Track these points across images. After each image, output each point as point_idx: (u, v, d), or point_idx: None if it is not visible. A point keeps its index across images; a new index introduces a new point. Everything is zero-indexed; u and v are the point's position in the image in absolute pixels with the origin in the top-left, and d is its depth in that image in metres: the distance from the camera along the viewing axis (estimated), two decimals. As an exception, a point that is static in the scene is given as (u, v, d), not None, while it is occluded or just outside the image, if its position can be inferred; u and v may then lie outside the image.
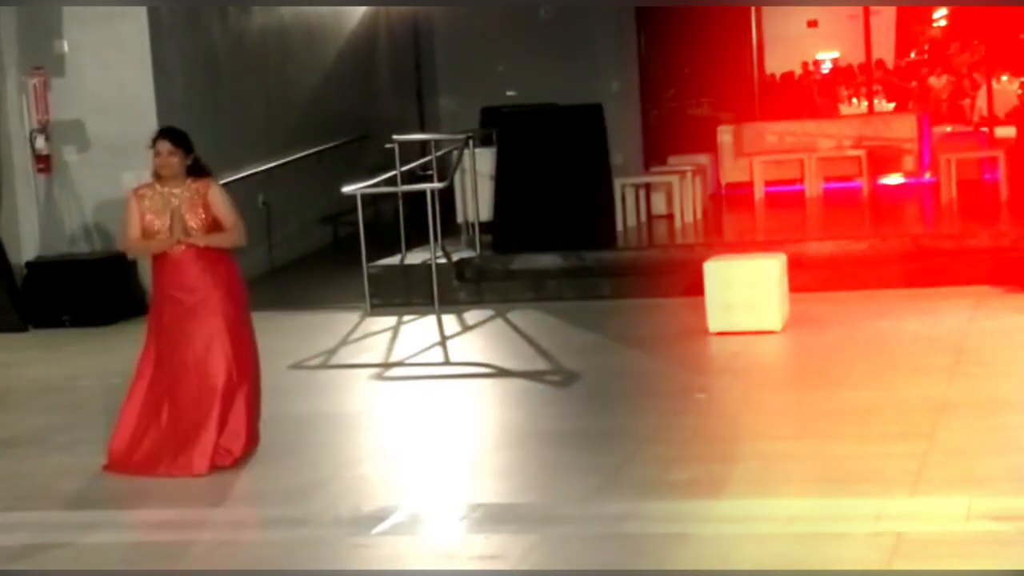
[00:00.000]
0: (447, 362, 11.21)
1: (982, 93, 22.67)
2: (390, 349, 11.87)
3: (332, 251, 17.27)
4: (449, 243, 14.65)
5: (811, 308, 11.61)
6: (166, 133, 8.21)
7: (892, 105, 23.65)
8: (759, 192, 17.73)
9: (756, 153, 18.25)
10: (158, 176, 8.14)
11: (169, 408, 8.13)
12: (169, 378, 8.11)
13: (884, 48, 23.38)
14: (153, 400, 8.18)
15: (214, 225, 8.15)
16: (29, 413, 10.09)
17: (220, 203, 8.17)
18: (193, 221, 8.09)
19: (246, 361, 8.19)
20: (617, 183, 15.49)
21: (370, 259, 13.72)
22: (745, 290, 11.16)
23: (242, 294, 8.29)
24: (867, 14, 22.59)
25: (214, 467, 8.02)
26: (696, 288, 11.64)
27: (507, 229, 14.43)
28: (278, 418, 9.34)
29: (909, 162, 18.47)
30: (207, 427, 8.01)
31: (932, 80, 24.59)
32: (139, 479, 8.02)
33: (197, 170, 8.20)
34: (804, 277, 11.81)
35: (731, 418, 8.80)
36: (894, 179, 18.57)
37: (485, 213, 14.82)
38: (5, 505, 7.77)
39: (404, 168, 14.73)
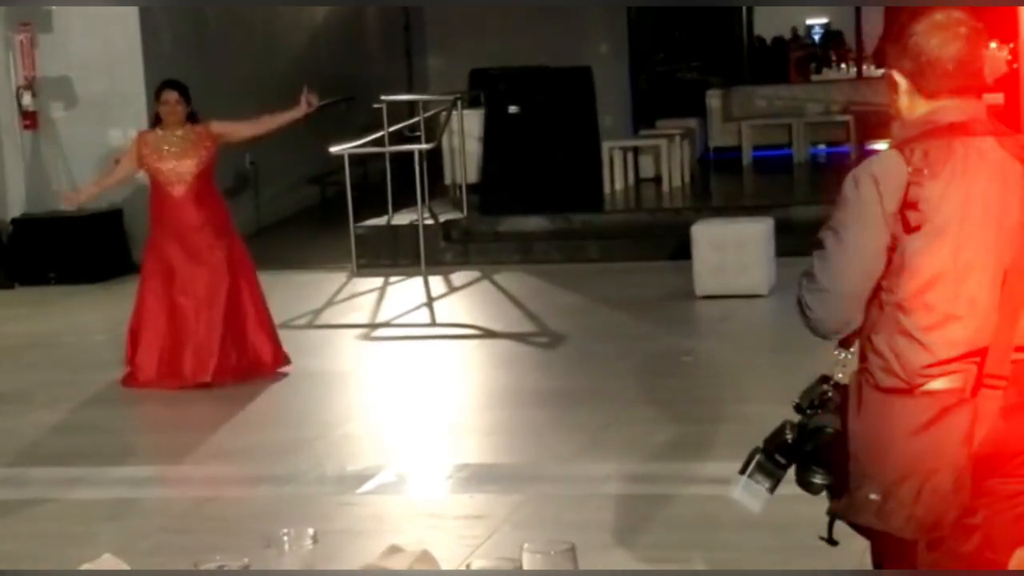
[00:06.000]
0: (433, 323, 11.20)
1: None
2: (376, 310, 11.86)
3: (319, 211, 17.24)
4: (436, 204, 14.63)
5: (798, 272, 11.58)
6: (172, 84, 9.27)
7: (881, 71, 23.61)
8: (747, 156, 17.73)
9: (744, 117, 18.23)
10: (160, 122, 9.22)
11: (180, 332, 9.04)
12: (181, 308, 9.02)
13: (874, 13, 23.32)
14: (161, 322, 9.05)
15: (211, 168, 9.18)
16: (14, 369, 10.07)
17: (228, 125, 9.36)
18: (193, 160, 9.06)
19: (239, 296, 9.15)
20: (605, 146, 15.47)
21: (357, 220, 13.70)
22: (732, 253, 11.16)
23: (238, 238, 9.38)
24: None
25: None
26: (683, 251, 11.64)
27: (494, 191, 14.41)
28: (265, 377, 9.34)
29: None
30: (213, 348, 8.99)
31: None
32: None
33: (193, 117, 9.22)
34: (791, 241, 11.79)
35: (716, 380, 8.81)
36: (882, 145, 18.57)
37: (473, 175, 14.78)
38: (-11, 461, 7.76)
39: (392, 129, 14.68)
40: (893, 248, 3.41)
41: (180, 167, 9.04)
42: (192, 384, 8.95)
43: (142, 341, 9.10)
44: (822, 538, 3.60)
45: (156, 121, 9.28)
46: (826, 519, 3.60)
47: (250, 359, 9.16)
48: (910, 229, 3.38)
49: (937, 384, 3.40)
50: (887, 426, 3.41)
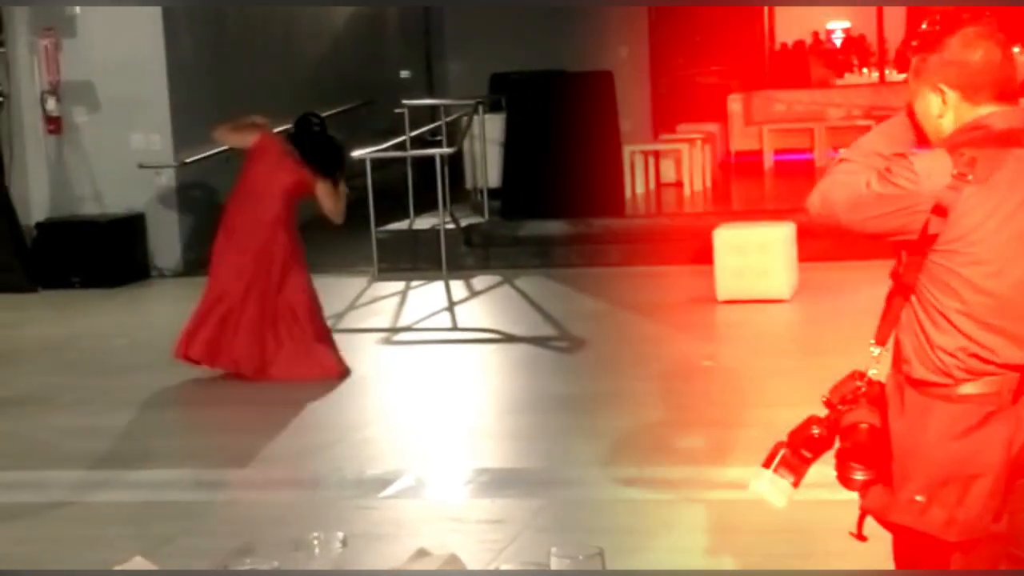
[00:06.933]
0: (454, 327, 11.21)
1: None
2: (397, 314, 11.87)
3: (340, 215, 17.24)
4: (457, 209, 14.64)
5: (820, 277, 11.60)
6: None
7: (903, 75, 23.56)
8: (768, 161, 17.70)
9: (765, 122, 18.21)
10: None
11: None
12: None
13: (895, 17, 23.27)
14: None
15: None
16: (35, 372, 10.11)
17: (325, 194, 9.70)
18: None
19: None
20: (626, 150, 15.46)
21: (378, 224, 13.71)
22: (754, 258, 11.15)
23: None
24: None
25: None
26: (704, 256, 11.63)
27: (515, 195, 14.41)
28: (287, 383, 9.36)
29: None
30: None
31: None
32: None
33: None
34: (813, 246, 11.78)
35: (737, 385, 8.80)
36: (903, 149, 18.52)
37: (494, 179, 14.79)
38: (9, 464, 7.79)
39: (413, 133, 14.70)
40: (913, 250, 3.44)
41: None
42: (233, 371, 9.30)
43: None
44: (852, 534, 3.62)
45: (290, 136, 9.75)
46: (843, 522, 3.61)
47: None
48: (928, 238, 3.43)
49: (974, 387, 3.43)
50: (929, 429, 3.45)
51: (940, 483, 3.43)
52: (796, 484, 3.59)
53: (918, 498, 3.44)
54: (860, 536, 3.61)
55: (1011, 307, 3.43)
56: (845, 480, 3.54)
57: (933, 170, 3.45)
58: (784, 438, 3.64)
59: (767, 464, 3.60)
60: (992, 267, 3.42)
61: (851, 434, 3.51)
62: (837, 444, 3.58)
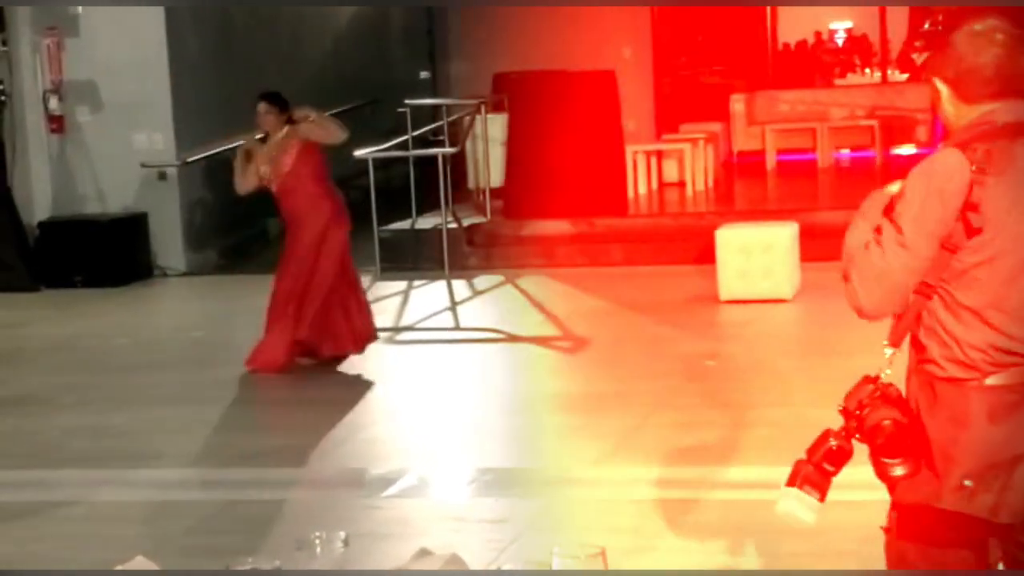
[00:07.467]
0: (457, 327, 11.21)
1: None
2: (400, 313, 11.87)
3: (343, 215, 17.24)
4: (460, 208, 14.63)
5: (823, 277, 11.57)
6: (262, 96, 9.88)
7: (905, 76, 23.55)
8: (771, 161, 17.70)
9: (768, 122, 18.20)
10: (266, 136, 9.84)
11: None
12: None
13: (898, 17, 23.26)
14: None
15: (306, 162, 9.75)
16: (39, 372, 10.12)
17: (310, 127, 9.72)
18: (285, 157, 9.68)
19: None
20: (629, 150, 15.45)
21: (381, 223, 13.70)
22: (757, 258, 11.15)
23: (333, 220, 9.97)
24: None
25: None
26: (707, 256, 11.63)
27: (518, 195, 14.41)
28: (288, 381, 9.38)
29: (922, 132, 18.39)
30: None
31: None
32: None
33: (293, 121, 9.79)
34: (816, 246, 11.78)
35: (741, 385, 8.80)
36: (907, 149, 18.52)
37: (496, 179, 14.78)
38: (15, 463, 7.80)
39: (416, 133, 14.70)
40: (952, 250, 3.48)
41: (275, 167, 9.70)
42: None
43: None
44: (882, 528, 3.65)
45: (264, 137, 9.88)
46: (851, 522, 3.62)
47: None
48: (972, 232, 3.46)
49: (1001, 379, 3.50)
50: (968, 417, 3.51)
51: (985, 468, 3.50)
52: (822, 499, 3.61)
53: (967, 483, 3.51)
54: (889, 531, 3.65)
55: None
56: (885, 477, 3.57)
57: (952, 169, 3.49)
58: (803, 455, 3.64)
59: (791, 483, 3.62)
60: (1017, 256, 3.47)
61: (878, 433, 3.55)
62: (866, 448, 3.59)
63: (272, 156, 9.74)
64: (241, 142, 9.94)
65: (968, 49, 3.56)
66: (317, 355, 9.73)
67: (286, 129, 9.73)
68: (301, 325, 9.60)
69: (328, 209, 9.87)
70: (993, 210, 3.45)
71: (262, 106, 9.82)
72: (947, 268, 3.50)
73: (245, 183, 9.92)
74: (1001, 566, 3.57)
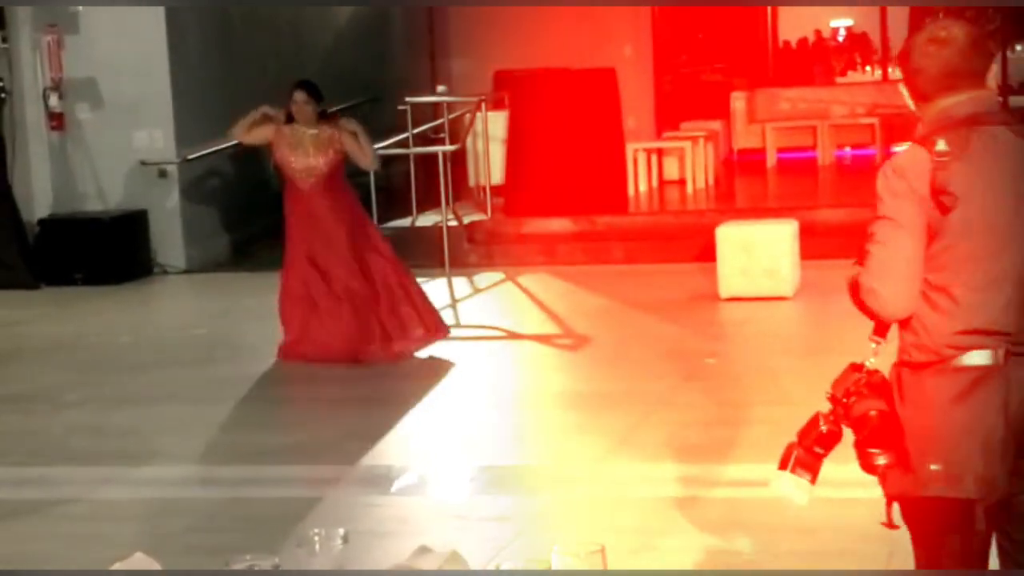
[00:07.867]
0: (457, 325, 11.19)
1: (996, 62, 22.48)
2: (401, 311, 11.85)
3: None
4: (460, 206, 14.63)
5: (823, 275, 11.58)
6: (302, 84, 9.74)
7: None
8: (771, 158, 17.69)
9: (769, 119, 18.19)
10: (291, 119, 9.64)
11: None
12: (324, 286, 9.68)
13: (898, 15, 23.26)
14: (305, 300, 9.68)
15: (339, 164, 9.66)
16: (40, 370, 10.12)
17: (351, 140, 9.65)
18: (322, 159, 9.55)
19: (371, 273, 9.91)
20: (629, 148, 15.45)
21: (381, 221, 13.69)
22: (757, 256, 11.15)
23: (363, 218, 10.05)
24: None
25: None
26: (707, 253, 11.63)
27: (518, 192, 14.41)
28: (290, 378, 9.37)
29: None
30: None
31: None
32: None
33: (325, 116, 9.78)
34: (816, 244, 11.78)
35: (742, 383, 8.81)
36: (906, 146, 18.49)
37: (497, 176, 14.79)
38: (16, 460, 7.80)
39: (416, 130, 14.69)
40: (933, 235, 3.60)
41: (310, 165, 9.59)
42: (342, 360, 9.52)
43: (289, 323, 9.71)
44: (883, 524, 3.68)
45: (289, 118, 9.67)
46: (850, 520, 3.64)
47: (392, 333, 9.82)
48: (945, 211, 3.57)
49: (968, 359, 3.58)
50: (927, 401, 3.60)
51: (952, 448, 3.55)
52: (813, 481, 3.71)
53: (933, 467, 3.58)
54: (891, 525, 3.69)
55: (999, 267, 3.58)
56: (868, 467, 3.64)
57: (910, 162, 3.65)
58: (794, 438, 3.72)
59: (783, 465, 3.72)
60: (985, 235, 3.58)
61: (864, 423, 3.64)
62: (851, 436, 3.66)
63: (308, 152, 9.61)
64: (266, 108, 9.77)
65: (915, 52, 3.75)
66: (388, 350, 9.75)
67: (329, 132, 9.64)
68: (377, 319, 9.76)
69: (353, 205, 9.93)
70: (962, 187, 3.57)
71: (301, 95, 9.64)
72: (930, 258, 3.60)
73: (247, 136, 9.82)
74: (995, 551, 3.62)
